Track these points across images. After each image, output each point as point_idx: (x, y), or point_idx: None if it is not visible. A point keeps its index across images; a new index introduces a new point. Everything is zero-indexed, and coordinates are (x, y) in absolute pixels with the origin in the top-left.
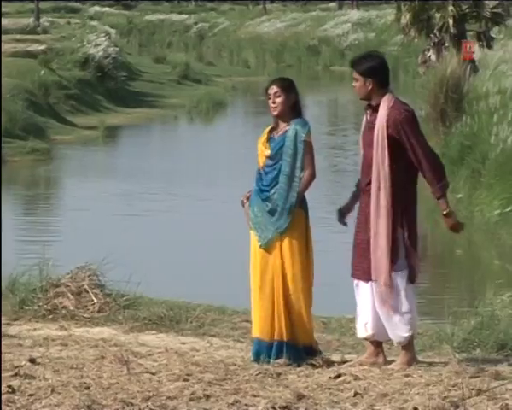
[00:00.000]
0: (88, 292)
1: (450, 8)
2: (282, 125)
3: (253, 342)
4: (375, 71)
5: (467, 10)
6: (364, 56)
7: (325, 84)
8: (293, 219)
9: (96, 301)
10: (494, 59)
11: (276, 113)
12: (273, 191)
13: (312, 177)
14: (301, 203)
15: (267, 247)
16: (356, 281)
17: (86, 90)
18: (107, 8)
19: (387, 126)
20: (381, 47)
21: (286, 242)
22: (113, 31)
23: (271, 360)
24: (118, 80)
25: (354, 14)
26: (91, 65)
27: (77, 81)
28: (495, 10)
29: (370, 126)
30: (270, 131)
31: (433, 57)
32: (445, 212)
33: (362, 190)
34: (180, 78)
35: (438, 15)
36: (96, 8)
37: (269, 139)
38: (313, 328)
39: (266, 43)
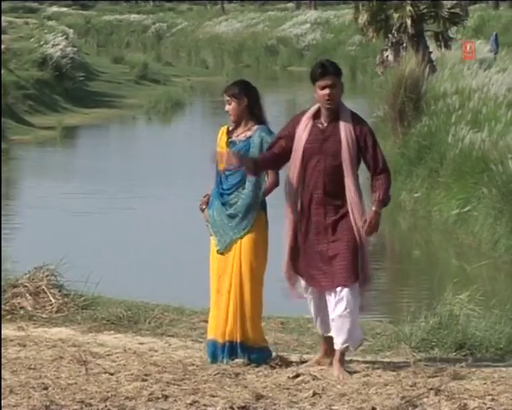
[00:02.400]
0: (46, 292)
1: (409, 8)
2: (241, 129)
3: (208, 344)
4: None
5: (425, 10)
6: (324, 64)
7: (283, 85)
8: (255, 221)
9: (54, 301)
10: (452, 59)
11: (233, 118)
12: (233, 196)
13: (276, 184)
14: (262, 205)
15: (225, 251)
16: (317, 290)
17: (44, 91)
18: (64, 9)
19: (356, 135)
20: (339, 47)
21: (246, 245)
22: (70, 31)
23: (225, 361)
24: (76, 80)
25: (312, 14)
26: (49, 65)
27: (35, 81)
28: (453, 10)
29: (328, 135)
30: (227, 132)
31: (391, 57)
32: (374, 208)
33: (316, 202)
34: (138, 78)
35: (396, 15)
36: (54, 8)
37: (228, 143)
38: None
39: (224, 43)
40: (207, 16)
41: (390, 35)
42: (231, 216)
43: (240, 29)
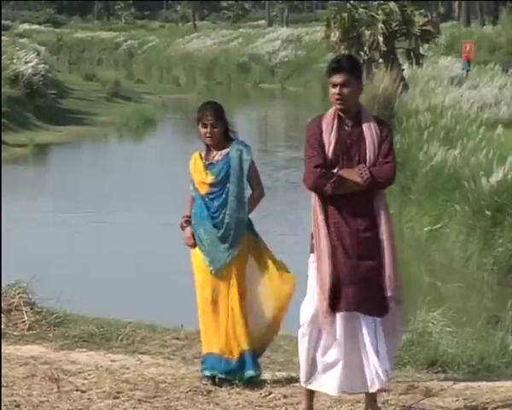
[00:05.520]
0: (18, 310)
1: (380, 25)
2: (216, 150)
3: (207, 358)
4: (361, 71)
5: (396, 28)
6: (340, 59)
7: (255, 102)
8: (246, 243)
9: (26, 318)
10: (424, 76)
11: (212, 143)
12: (222, 215)
13: (262, 196)
14: (249, 226)
15: (218, 272)
16: (353, 315)
17: (16, 108)
18: (36, 26)
19: (380, 140)
20: (311, 64)
21: (236, 263)
22: (42, 48)
23: (222, 375)
24: (47, 98)
25: (284, 31)
26: (21, 82)
27: (6, 98)
28: (424, 28)
29: (354, 140)
30: (200, 157)
31: (364, 74)
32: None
33: (346, 212)
34: (110, 95)
35: (367, 33)
36: (26, 25)
37: (207, 166)
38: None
39: (196, 60)
40: (179, 33)
41: (362, 52)
42: (223, 238)
43: (212, 46)
